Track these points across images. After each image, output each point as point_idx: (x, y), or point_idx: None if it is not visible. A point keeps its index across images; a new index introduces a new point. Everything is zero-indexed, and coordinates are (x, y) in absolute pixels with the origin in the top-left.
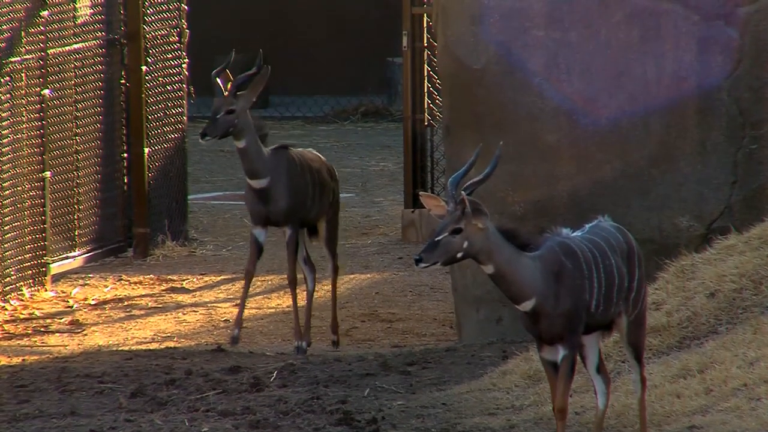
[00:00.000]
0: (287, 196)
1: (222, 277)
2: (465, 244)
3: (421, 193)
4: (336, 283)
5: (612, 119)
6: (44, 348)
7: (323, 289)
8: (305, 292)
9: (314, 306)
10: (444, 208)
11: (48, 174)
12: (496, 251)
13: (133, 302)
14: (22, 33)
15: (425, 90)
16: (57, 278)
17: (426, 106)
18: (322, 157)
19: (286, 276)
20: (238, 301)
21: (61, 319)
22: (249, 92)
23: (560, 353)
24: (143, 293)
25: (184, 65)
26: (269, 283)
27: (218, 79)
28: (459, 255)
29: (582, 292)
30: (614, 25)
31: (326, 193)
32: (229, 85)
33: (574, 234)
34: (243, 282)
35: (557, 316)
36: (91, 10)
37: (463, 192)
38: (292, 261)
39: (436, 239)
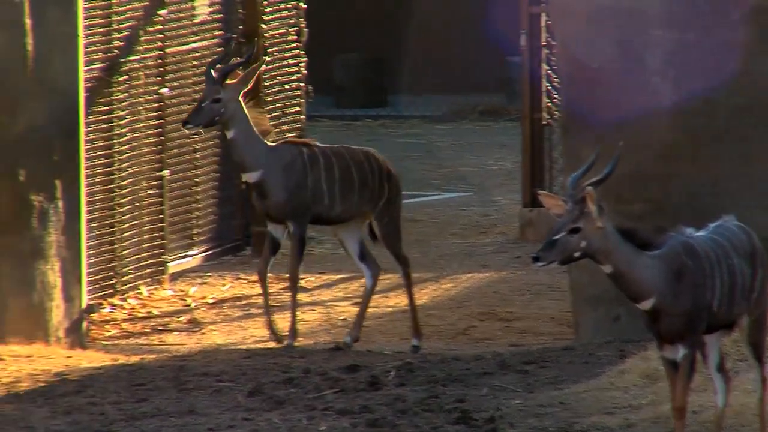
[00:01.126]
0: (284, 190)
1: (340, 275)
2: (583, 243)
3: (540, 192)
4: (411, 288)
5: (730, 119)
6: (162, 347)
7: (441, 288)
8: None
9: (432, 305)
10: (563, 207)
11: (166, 173)
12: (614, 251)
13: (251, 301)
14: (141, 32)
15: (543, 89)
16: (175, 277)
17: (544, 105)
18: (372, 155)
19: (402, 275)
20: (358, 300)
21: (179, 317)
22: (239, 82)
23: (680, 352)
24: (261, 292)
25: (302, 64)
26: (387, 282)
27: (212, 70)
28: (577, 254)
29: (703, 292)
30: (732, 25)
31: (363, 192)
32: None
33: (698, 234)
34: (361, 281)
35: (678, 315)
36: (210, 9)
37: (589, 187)
38: (294, 258)
39: (554, 238)
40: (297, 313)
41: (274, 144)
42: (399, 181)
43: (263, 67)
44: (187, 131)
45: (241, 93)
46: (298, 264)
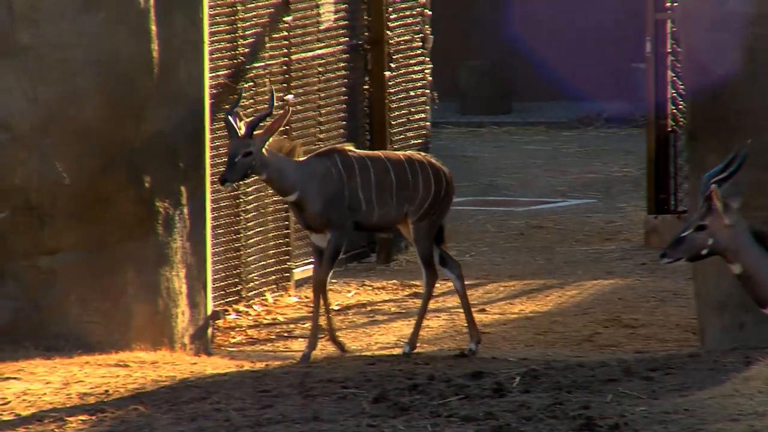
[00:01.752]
0: (320, 202)
1: (465, 282)
2: (710, 241)
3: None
4: (429, 298)
5: None
6: (287, 353)
7: (566, 294)
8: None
9: (556, 311)
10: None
11: None
12: (743, 250)
13: (376, 307)
14: (266, 39)
15: (668, 96)
16: (300, 283)
17: (669, 112)
18: (415, 159)
19: (528, 282)
20: (483, 306)
21: (304, 324)
22: (265, 132)
23: None
24: (386, 298)
25: (427, 71)
26: (512, 288)
27: (230, 118)
28: (704, 251)
29: None
30: None
31: (401, 195)
32: (243, 126)
33: None
34: (487, 288)
35: None
36: (335, 16)
37: (713, 185)
38: (326, 265)
39: (682, 235)
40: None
41: (304, 159)
42: (449, 184)
43: (387, 74)
44: (225, 189)
45: (267, 143)
46: (329, 272)
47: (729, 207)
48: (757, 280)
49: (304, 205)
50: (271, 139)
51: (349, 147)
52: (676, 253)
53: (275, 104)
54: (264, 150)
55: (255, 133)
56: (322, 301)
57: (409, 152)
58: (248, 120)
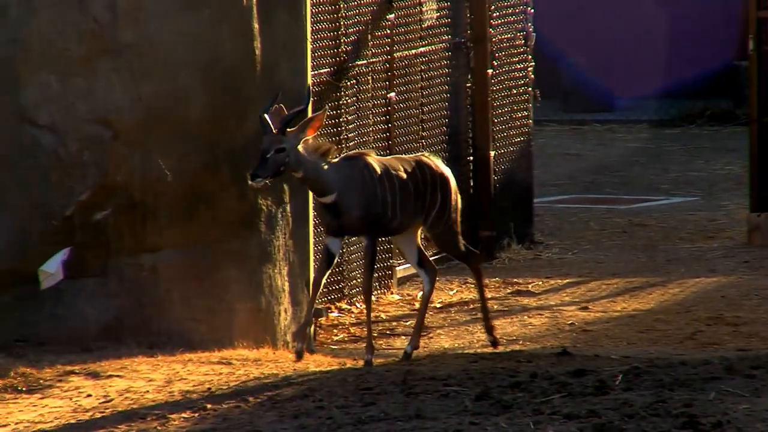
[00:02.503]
0: (358, 205)
1: (567, 280)
2: None
3: None
4: (482, 285)
5: None
6: (390, 351)
7: (669, 292)
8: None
9: (659, 309)
10: None
11: None
12: None
13: (479, 305)
14: (369, 36)
15: None
16: (403, 281)
17: None
18: (424, 163)
19: (630, 279)
20: (586, 304)
21: (406, 322)
22: (299, 129)
23: None
24: (488, 296)
25: (529, 68)
26: (614, 286)
27: (266, 116)
28: None
29: None
30: None
31: (417, 201)
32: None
33: None
34: (589, 286)
35: None
36: (438, 14)
37: None
38: (368, 271)
39: None
40: (524, 316)
41: (337, 161)
42: (452, 186)
43: (489, 71)
44: (255, 185)
45: (302, 140)
46: (372, 277)
47: None
48: None
49: (341, 207)
50: (309, 138)
51: (370, 152)
52: None
53: (310, 100)
54: (300, 147)
55: (288, 130)
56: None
57: (417, 155)
58: (282, 117)
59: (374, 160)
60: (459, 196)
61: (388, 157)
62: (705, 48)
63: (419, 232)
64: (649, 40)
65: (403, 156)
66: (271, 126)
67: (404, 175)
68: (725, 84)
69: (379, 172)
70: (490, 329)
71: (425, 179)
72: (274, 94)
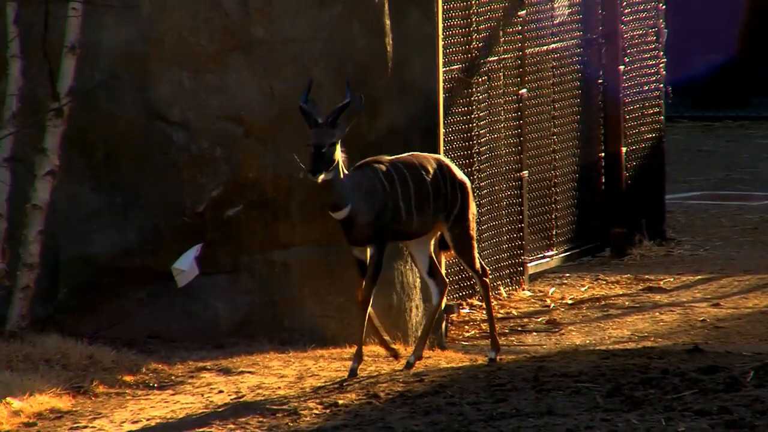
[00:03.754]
0: (368, 216)
1: (699, 276)
2: None
3: None
4: (489, 299)
5: None
6: (521, 347)
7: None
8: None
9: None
10: None
11: (525, 173)
12: None
13: (610, 302)
14: (500, 33)
15: None
16: (534, 277)
17: None
18: (443, 162)
19: (762, 276)
20: (717, 300)
21: (538, 318)
22: (343, 124)
23: None
24: (620, 293)
25: (661, 65)
26: (746, 282)
27: (305, 106)
28: None
29: None
30: None
31: (437, 202)
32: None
33: None
34: (721, 282)
35: None
36: (569, 10)
37: None
38: (371, 281)
39: None
40: (655, 313)
41: (348, 173)
42: (469, 188)
43: (621, 68)
44: (317, 180)
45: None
46: (373, 287)
47: None
48: None
49: (355, 219)
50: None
51: (384, 157)
52: None
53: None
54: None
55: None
56: (368, 318)
57: (435, 155)
58: (332, 110)
59: (385, 166)
60: (475, 209)
61: (405, 154)
62: None
63: (433, 241)
64: None
65: (421, 153)
66: (316, 117)
67: (422, 173)
68: None
69: (389, 178)
70: (495, 343)
71: (444, 177)
72: (308, 83)
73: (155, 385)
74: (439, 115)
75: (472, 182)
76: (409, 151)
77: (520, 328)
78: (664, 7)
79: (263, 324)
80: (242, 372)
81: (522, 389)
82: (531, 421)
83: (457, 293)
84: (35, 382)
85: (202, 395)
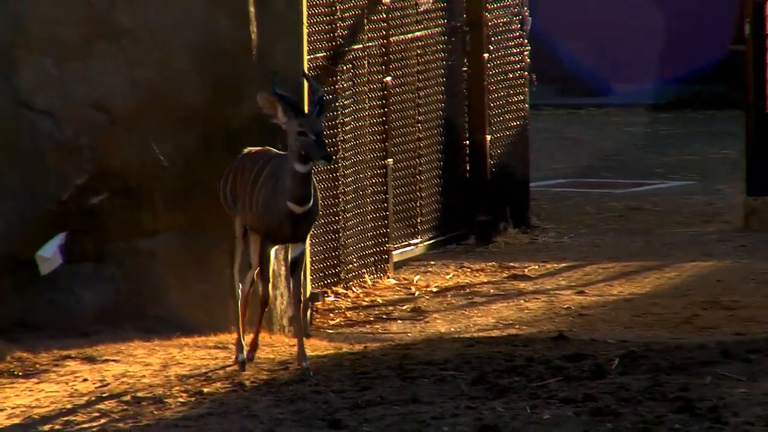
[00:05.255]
0: (317, 211)
1: (564, 264)
2: None
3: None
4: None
5: None
6: (386, 335)
7: (665, 276)
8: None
9: (655, 293)
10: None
11: (390, 161)
12: None
13: (475, 289)
14: (365, 20)
15: (767, 78)
16: (399, 265)
17: None
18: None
19: (627, 263)
20: (582, 288)
21: (403, 306)
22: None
23: None
24: (485, 280)
25: (525, 53)
26: (611, 270)
27: (286, 94)
28: None
29: None
30: None
31: None
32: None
33: None
34: (585, 270)
35: None
36: None
37: None
38: (301, 277)
39: None
40: (520, 301)
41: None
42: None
43: (486, 56)
44: (329, 165)
45: None
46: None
47: None
48: None
49: (310, 213)
50: None
51: (272, 150)
52: None
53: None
54: None
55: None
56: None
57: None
58: (318, 98)
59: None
60: None
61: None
62: (701, 32)
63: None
64: (646, 24)
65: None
66: (300, 106)
67: None
68: (722, 68)
69: None
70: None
71: None
72: (272, 73)
73: (20, 373)
74: (303, 102)
75: (336, 170)
76: (273, 139)
77: (385, 316)
78: None
79: (128, 312)
80: (107, 360)
81: (387, 377)
82: (396, 409)
83: (322, 281)
84: None
85: (67, 383)
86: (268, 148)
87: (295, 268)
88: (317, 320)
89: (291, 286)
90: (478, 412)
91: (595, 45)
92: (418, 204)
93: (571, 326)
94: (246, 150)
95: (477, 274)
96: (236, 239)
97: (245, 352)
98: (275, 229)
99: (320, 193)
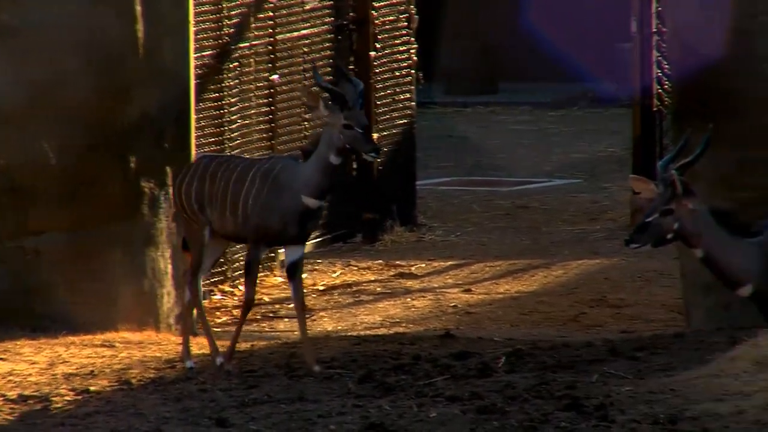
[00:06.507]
0: (324, 207)
1: (450, 262)
2: (675, 225)
3: (630, 176)
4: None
5: None
6: (273, 333)
7: (552, 274)
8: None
9: (542, 291)
10: (653, 191)
11: None
12: (706, 234)
13: (362, 288)
14: (251, 19)
15: (654, 75)
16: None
17: (654, 92)
18: None
19: (514, 262)
20: (468, 286)
21: (289, 304)
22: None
23: None
24: (371, 279)
25: (412, 51)
26: (497, 268)
27: (334, 87)
28: (669, 236)
29: None
30: None
31: None
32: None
33: None
34: (472, 268)
35: None
36: None
37: (673, 171)
38: (301, 280)
39: (647, 220)
40: (407, 299)
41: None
42: None
43: (372, 54)
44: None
45: None
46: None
47: (692, 192)
48: (721, 263)
49: (322, 209)
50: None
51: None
52: (642, 239)
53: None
54: None
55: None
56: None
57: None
58: (354, 94)
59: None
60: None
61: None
62: (587, 30)
63: None
64: (531, 22)
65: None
66: (347, 100)
67: None
68: (608, 66)
69: None
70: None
71: None
72: (312, 66)
73: None
74: (190, 101)
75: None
76: (160, 138)
77: (272, 315)
78: None
79: (15, 311)
80: None
81: (274, 375)
82: (283, 407)
83: (209, 280)
84: None
85: None
86: (231, 154)
87: (295, 271)
88: None
89: (292, 290)
90: (364, 410)
91: (481, 43)
92: None
93: (458, 324)
94: (201, 154)
95: (364, 273)
96: (195, 245)
97: (218, 359)
98: (278, 231)
99: None
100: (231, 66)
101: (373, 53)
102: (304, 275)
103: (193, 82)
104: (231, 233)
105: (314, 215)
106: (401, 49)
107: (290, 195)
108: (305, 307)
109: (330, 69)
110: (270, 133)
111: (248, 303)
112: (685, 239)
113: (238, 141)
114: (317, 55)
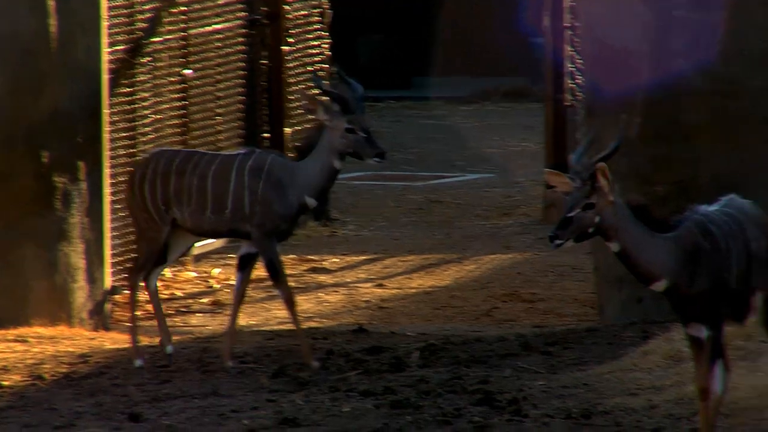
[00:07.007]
0: None
1: (363, 257)
2: (597, 219)
3: (545, 170)
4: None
5: (754, 100)
6: (186, 328)
7: (465, 269)
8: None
9: (455, 286)
10: (569, 185)
11: None
12: (622, 228)
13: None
14: (164, 13)
15: (566, 70)
16: (198, 258)
17: (567, 86)
18: None
19: (426, 256)
20: (381, 281)
21: (202, 299)
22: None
23: (704, 332)
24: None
25: (325, 45)
26: (410, 263)
27: (335, 91)
28: (590, 230)
29: (721, 272)
30: (763, 5)
31: None
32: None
33: (711, 209)
34: (385, 263)
35: (695, 296)
36: None
37: (602, 164)
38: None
39: (569, 215)
40: (320, 294)
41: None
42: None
43: (285, 48)
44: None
45: None
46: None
47: (612, 184)
48: (636, 258)
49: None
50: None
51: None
52: (566, 234)
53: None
54: None
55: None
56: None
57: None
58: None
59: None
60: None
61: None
62: (500, 24)
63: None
64: (445, 17)
65: None
66: (349, 104)
67: None
68: (520, 61)
69: None
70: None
71: None
72: (313, 71)
73: None
74: (103, 96)
75: (136, 163)
76: (73, 133)
77: (184, 309)
78: None
79: None
80: None
81: (187, 370)
82: (196, 402)
83: (121, 275)
84: None
85: None
86: (190, 149)
87: (246, 263)
88: (117, 313)
89: (237, 281)
90: (278, 404)
91: (394, 38)
92: None
93: (371, 319)
94: (155, 150)
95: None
96: (149, 243)
97: (168, 347)
98: (272, 228)
99: (120, 187)
100: (144, 61)
101: (285, 48)
102: (216, 270)
103: (105, 77)
104: (208, 230)
105: (304, 213)
106: (314, 43)
107: (293, 193)
108: (243, 300)
109: (244, 64)
110: (183, 128)
111: (289, 298)
112: (603, 233)
113: (151, 136)
114: (230, 50)
